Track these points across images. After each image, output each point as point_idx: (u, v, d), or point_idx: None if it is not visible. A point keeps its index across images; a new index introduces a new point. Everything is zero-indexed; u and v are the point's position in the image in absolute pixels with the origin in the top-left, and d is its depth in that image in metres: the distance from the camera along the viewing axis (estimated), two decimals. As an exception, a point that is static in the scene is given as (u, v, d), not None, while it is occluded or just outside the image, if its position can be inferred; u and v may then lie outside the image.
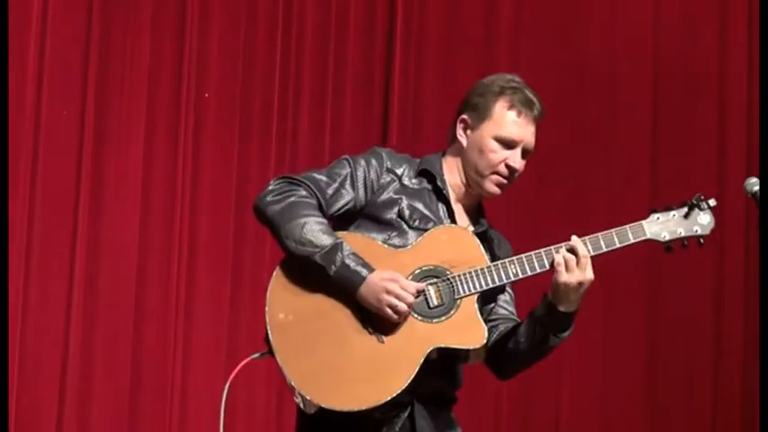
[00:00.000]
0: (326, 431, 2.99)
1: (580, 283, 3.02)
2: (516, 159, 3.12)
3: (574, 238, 3.06)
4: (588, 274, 3.03)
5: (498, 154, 3.12)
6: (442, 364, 3.02)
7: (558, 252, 3.04)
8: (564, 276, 3.01)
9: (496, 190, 3.15)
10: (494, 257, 3.12)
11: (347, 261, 2.94)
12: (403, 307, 2.93)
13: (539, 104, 3.15)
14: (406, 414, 3.03)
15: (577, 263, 3.02)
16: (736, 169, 5.62)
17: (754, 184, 3.24)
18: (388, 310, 2.93)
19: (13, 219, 4.81)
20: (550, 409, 5.61)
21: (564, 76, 5.71)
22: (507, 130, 3.12)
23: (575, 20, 5.77)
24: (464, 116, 3.17)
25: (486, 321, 3.08)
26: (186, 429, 5.11)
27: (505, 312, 3.21)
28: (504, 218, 5.63)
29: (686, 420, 5.66)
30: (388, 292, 2.92)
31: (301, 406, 2.98)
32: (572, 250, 3.03)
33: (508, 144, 3.12)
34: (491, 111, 3.12)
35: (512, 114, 3.12)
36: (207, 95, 5.27)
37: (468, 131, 3.16)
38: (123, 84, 5.14)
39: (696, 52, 5.81)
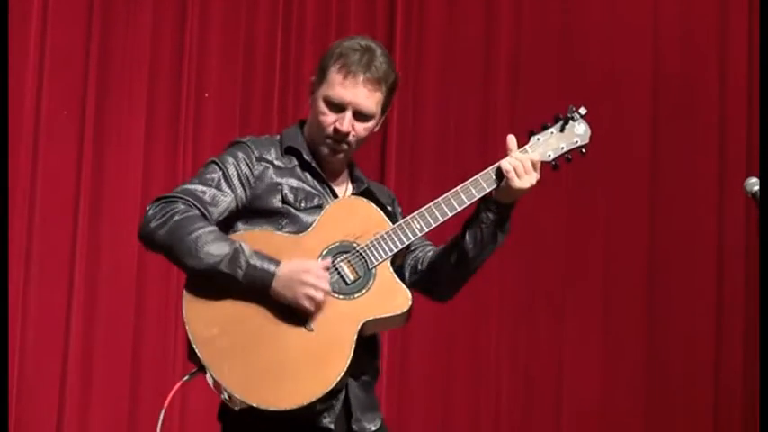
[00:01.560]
0: (267, 429, 2.94)
1: (531, 187, 3.08)
2: (344, 122, 3.05)
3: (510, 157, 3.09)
4: (535, 175, 3.09)
5: (328, 116, 3.06)
6: (366, 337, 2.99)
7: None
8: (516, 182, 3.05)
9: (330, 155, 3.09)
10: (384, 211, 3.09)
11: (252, 261, 2.88)
12: (320, 296, 2.88)
13: (383, 69, 3.06)
14: (342, 396, 3.00)
15: (525, 168, 3.06)
16: (736, 169, 5.62)
17: (754, 184, 3.24)
18: (306, 303, 2.88)
19: (13, 219, 4.81)
20: (551, 408, 5.61)
21: (564, 76, 5.71)
22: (333, 91, 3.05)
23: (575, 20, 5.77)
24: (312, 78, 3.14)
25: (403, 258, 3.11)
26: (186, 430, 5.11)
27: (417, 241, 3.16)
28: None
29: (686, 420, 5.66)
30: (304, 284, 2.87)
31: (229, 404, 2.94)
32: (515, 159, 3.06)
33: (336, 106, 3.05)
34: (326, 73, 3.08)
35: (339, 77, 3.05)
36: (207, 95, 5.27)
37: (312, 95, 3.12)
38: (123, 83, 5.14)
39: (696, 52, 5.81)
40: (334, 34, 5.48)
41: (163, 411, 3.00)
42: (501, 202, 3.08)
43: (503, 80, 5.67)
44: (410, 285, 3.10)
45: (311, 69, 5.37)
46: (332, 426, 2.97)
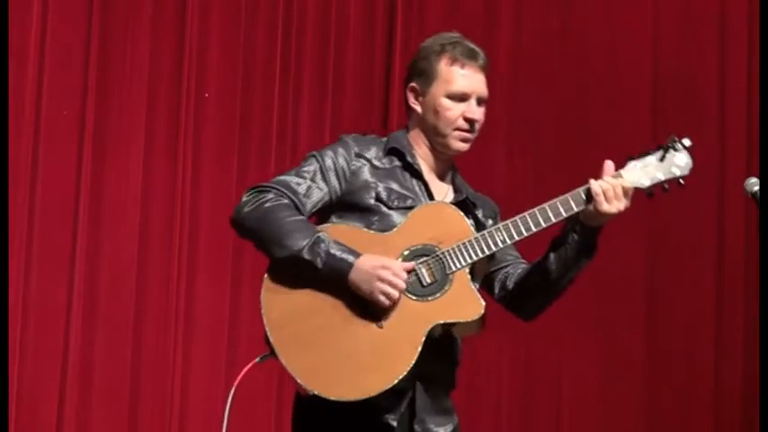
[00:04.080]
0: (330, 418, 2.99)
1: (619, 210, 3.06)
2: (473, 110, 3.14)
3: (601, 181, 3.07)
4: (624, 202, 3.08)
5: (454, 110, 3.13)
6: (441, 344, 3.03)
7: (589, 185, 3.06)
8: (604, 206, 3.04)
9: (462, 145, 3.16)
10: (478, 222, 3.14)
11: (332, 251, 2.94)
12: (395, 294, 2.93)
13: (482, 53, 3.17)
14: (408, 398, 3.03)
15: (615, 194, 3.05)
16: (736, 169, 5.62)
17: (754, 184, 3.24)
18: (382, 297, 2.92)
19: (14, 219, 4.81)
20: (551, 408, 5.62)
21: (564, 76, 5.71)
22: (456, 84, 3.13)
23: (575, 20, 5.77)
24: (412, 84, 3.19)
25: (494, 272, 3.14)
26: (186, 430, 5.11)
27: (511, 258, 3.21)
28: (504, 217, 5.64)
29: (686, 420, 5.66)
30: (381, 280, 2.92)
31: (300, 390, 2.99)
32: (607, 182, 3.06)
33: (461, 98, 3.13)
34: (436, 71, 3.14)
35: (456, 68, 3.14)
36: (207, 95, 5.27)
37: (420, 98, 3.18)
38: (123, 84, 5.14)
39: (696, 52, 5.81)
40: (335, 34, 5.49)
41: (232, 391, 3.03)
42: (586, 225, 3.09)
43: (503, 80, 5.67)
44: (498, 300, 3.18)
45: (311, 69, 5.46)
46: (395, 423, 3.01)
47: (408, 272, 2.97)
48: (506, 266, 3.21)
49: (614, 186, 3.06)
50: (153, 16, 5.20)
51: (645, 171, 3.14)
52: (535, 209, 3.08)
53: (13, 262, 4.79)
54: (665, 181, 3.15)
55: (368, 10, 5.58)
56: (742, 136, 5.74)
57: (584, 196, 3.07)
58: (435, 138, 3.16)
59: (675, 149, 3.13)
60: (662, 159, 3.13)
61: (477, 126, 3.16)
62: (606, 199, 3.05)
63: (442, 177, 3.21)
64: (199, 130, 5.24)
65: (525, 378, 5.61)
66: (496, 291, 3.22)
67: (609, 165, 3.12)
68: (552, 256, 3.11)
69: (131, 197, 5.10)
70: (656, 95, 5.78)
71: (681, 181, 3.16)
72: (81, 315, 4.98)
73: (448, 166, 3.23)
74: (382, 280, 2.92)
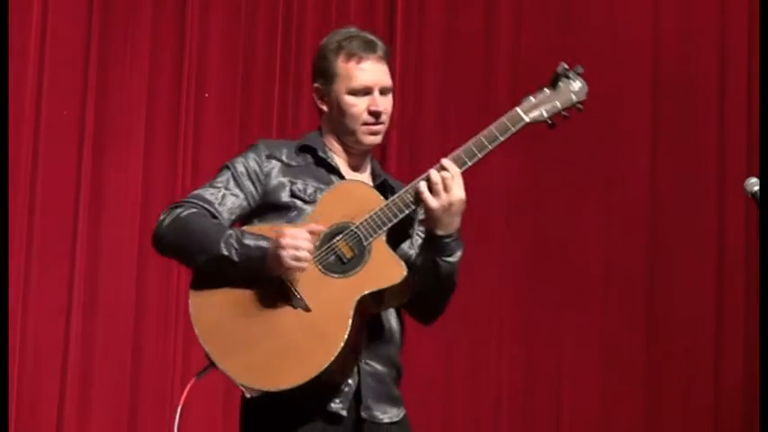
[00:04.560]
0: (278, 414, 2.99)
1: (449, 205, 2.99)
2: (377, 102, 3.13)
3: (444, 160, 3.03)
4: (455, 194, 2.99)
5: (358, 105, 3.13)
6: (379, 325, 3.04)
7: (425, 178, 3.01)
8: (430, 202, 2.99)
9: (373, 138, 3.15)
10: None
11: (245, 240, 2.95)
12: (304, 253, 2.91)
13: (380, 43, 3.16)
14: (355, 386, 3.03)
15: (444, 186, 2.99)
16: (736, 169, 5.62)
17: (754, 184, 3.24)
18: (293, 263, 2.91)
19: (13, 219, 4.81)
20: (551, 408, 5.61)
21: (564, 75, 5.70)
22: (356, 79, 3.13)
23: (575, 20, 5.76)
24: (316, 85, 3.19)
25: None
26: (186, 430, 5.10)
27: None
28: (504, 217, 5.65)
29: (687, 420, 5.65)
30: (284, 248, 2.91)
31: (245, 393, 2.99)
32: (440, 171, 3.00)
33: (363, 92, 3.13)
34: (336, 69, 3.14)
35: (353, 63, 3.13)
36: (207, 95, 5.27)
37: (325, 97, 3.17)
38: (123, 84, 5.14)
39: (696, 52, 5.81)
40: (334, 34, 5.48)
41: (179, 410, 3.12)
42: (432, 232, 3.04)
43: (503, 79, 5.67)
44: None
45: (311, 69, 5.46)
46: (344, 412, 3.01)
47: (312, 233, 2.94)
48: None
49: (444, 179, 3.00)
50: (153, 16, 5.20)
51: (542, 104, 3.15)
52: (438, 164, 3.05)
53: (13, 262, 4.79)
54: (564, 108, 3.17)
55: (368, 10, 5.58)
56: (742, 136, 5.73)
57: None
58: (345, 135, 3.16)
59: (569, 77, 3.19)
60: (556, 89, 3.17)
61: (385, 117, 3.15)
62: (432, 193, 2.99)
63: (358, 169, 3.20)
64: (199, 130, 5.25)
65: (525, 378, 5.61)
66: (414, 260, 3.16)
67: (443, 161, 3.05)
68: (417, 260, 3.08)
69: (131, 197, 5.10)
70: (656, 95, 5.78)
71: (579, 106, 3.19)
72: (81, 315, 4.99)
73: (364, 158, 3.22)
74: (284, 247, 2.91)
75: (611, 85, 5.75)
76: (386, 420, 3.08)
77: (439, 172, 3.01)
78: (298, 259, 2.92)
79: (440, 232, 3.02)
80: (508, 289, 5.60)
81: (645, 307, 5.68)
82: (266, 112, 5.36)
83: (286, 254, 2.91)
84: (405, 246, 3.14)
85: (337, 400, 3.00)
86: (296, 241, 2.91)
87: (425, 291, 3.08)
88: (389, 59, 3.19)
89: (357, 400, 3.04)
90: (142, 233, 5.10)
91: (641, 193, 5.73)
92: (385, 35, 5.54)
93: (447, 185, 2.99)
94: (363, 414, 3.04)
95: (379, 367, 3.08)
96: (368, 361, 3.05)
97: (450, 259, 3.05)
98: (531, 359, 5.61)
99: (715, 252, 5.71)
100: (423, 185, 3.00)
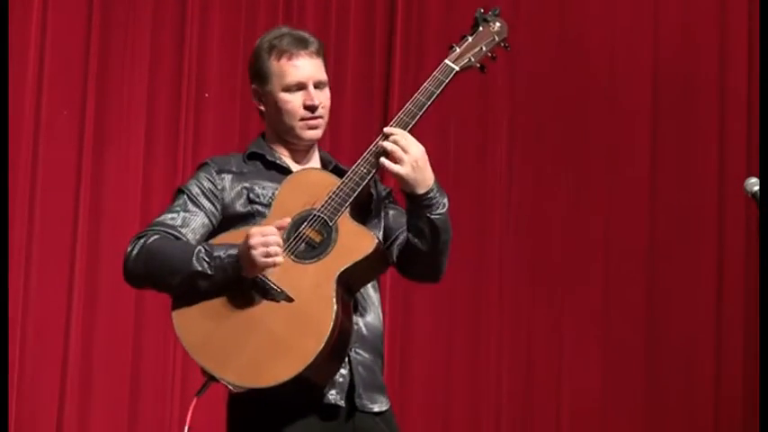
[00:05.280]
0: (273, 407, 2.99)
1: (416, 163, 3.02)
2: (311, 96, 3.16)
3: (386, 128, 3.07)
4: (415, 151, 3.03)
5: (294, 102, 3.16)
6: (359, 305, 3.06)
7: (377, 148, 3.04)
8: (397, 168, 3.02)
9: (313, 133, 3.18)
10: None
11: (216, 253, 2.96)
12: (274, 248, 2.92)
13: (311, 38, 3.20)
14: (347, 373, 3.05)
15: (402, 148, 3.02)
16: (736, 169, 5.62)
17: (754, 184, 3.24)
18: (265, 260, 2.92)
19: (13, 219, 4.81)
20: (551, 408, 5.61)
21: (564, 76, 5.71)
22: (289, 76, 3.16)
23: (574, 20, 5.77)
24: (253, 86, 3.24)
25: (390, 243, 3.13)
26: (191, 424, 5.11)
27: (398, 224, 3.18)
28: (505, 217, 5.65)
29: (686, 420, 5.66)
30: (254, 247, 2.92)
31: (230, 388, 3.00)
32: (388, 139, 3.04)
33: (297, 87, 3.16)
34: (269, 68, 3.19)
35: (285, 61, 3.17)
36: (207, 95, 5.27)
37: (263, 98, 3.22)
38: (123, 84, 5.14)
39: (696, 52, 5.81)
40: (334, 34, 5.48)
41: (186, 429, 3.09)
42: (413, 195, 3.05)
43: (502, 79, 5.67)
44: (397, 269, 3.16)
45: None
46: (342, 402, 3.02)
47: (281, 228, 2.96)
48: (396, 234, 3.19)
49: (397, 142, 3.03)
50: (153, 16, 5.20)
51: (467, 51, 3.19)
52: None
53: (13, 262, 4.79)
54: (489, 50, 3.20)
55: (368, 10, 5.57)
56: (742, 136, 5.74)
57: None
58: (285, 133, 3.18)
59: (487, 20, 3.21)
60: (478, 33, 3.20)
61: (323, 111, 3.17)
62: (395, 160, 3.02)
63: (308, 160, 3.23)
64: (199, 130, 5.24)
65: (525, 378, 5.61)
66: (395, 259, 3.19)
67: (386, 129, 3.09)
68: (408, 228, 3.10)
69: (131, 197, 5.10)
70: (656, 95, 5.78)
71: (503, 44, 3.21)
72: (81, 315, 4.99)
73: (310, 152, 3.24)
74: (254, 247, 2.91)
75: (612, 84, 5.76)
76: (375, 409, 3.09)
77: (388, 140, 3.03)
78: (269, 255, 2.92)
79: (420, 191, 3.04)
80: (508, 289, 5.60)
81: (645, 307, 5.69)
82: (266, 112, 5.35)
83: (257, 252, 2.91)
84: (376, 221, 3.16)
85: (333, 392, 3.01)
86: (264, 238, 2.92)
87: (427, 250, 3.09)
88: (325, 54, 3.22)
89: (350, 388, 3.05)
90: (142, 233, 5.10)
91: (641, 193, 5.73)
92: (385, 35, 5.55)
93: (403, 147, 3.02)
94: (356, 402, 3.05)
95: (367, 356, 3.09)
96: (357, 350, 3.06)
97: (440, 211, 3.07)
98: (531, 359, 5.62)
99: (715, 252, 5.71)
100: (385, 160, 3.01)
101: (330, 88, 3.22)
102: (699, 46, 5.81)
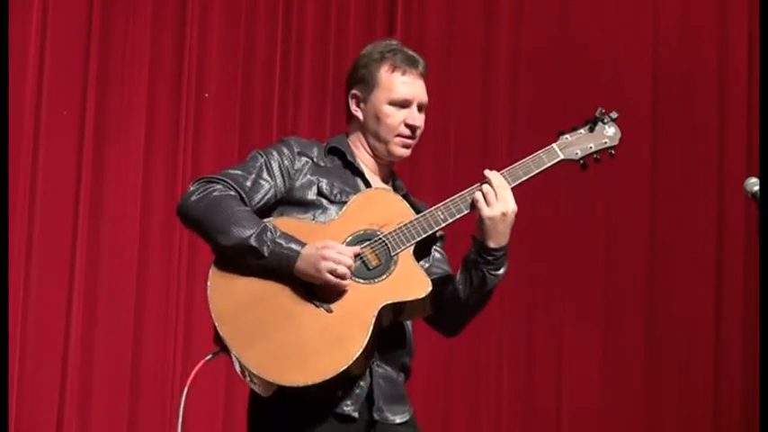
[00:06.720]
0: (289, 414, 3.00)
1: (503, 215, 3.05)
2: (414, 116, 3.19)
3: (488, 171, 3.09)
4: (509, 204, 3.07)
5: (396, 117, 3.18)
6: (393, 332, 3.07)
7: (476, 190, 3.07)
8: (485, 211, 3.04)
9: (404, 151, 3.21)
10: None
11: (279, 240, 2.97)
12: (343, 269, 2.95)
13: (422, 60, 3.23)
14: (367, 388, 3.05)
15: (496, 195, 3.05)
16: (736, 169, 5.63)
17: (754, 184, 3.24)
18: (329, 276, 2.94)
19: (13, 219, 4.81)
20: (551, 408, 5.62)
21: (564, 75, 5.71)
22: (398, 91, 3.18)
23: (575, 20, 5.77)
24: (354, 91, 3.23)
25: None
26: (186, 429, 5.10)
27: (440, 272, 3.21)
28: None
29: (686, 420, 5.66)
30: (325, 259, 2.94)
31: (256, 389, 2.99)
32: (489, 183, 3.07)
33: (402, 104, 3.19)
34: (378, 78, 3.19)
35: (397, 75, 3.19)
36: (207, 95, 5.27)
37: (362, 104, 3.22)
38: (123, 84, 5.14)
39: (696, 52, 5.81)
40: (334, 34, 5.48)
41: (185, 392, 3.08)
42: (484, 244, 3.07)
43: (503, 80, 5.67)
44: (424, 318, 3.18)
45: (311, 69, 5.45)
46: (355, 414, 3.02)
47: (355, 256, 2.99)
48: (435, 279, 3.17)
49: (495, 188, 3.07)
50: (153, 16, 5.20)
51: (576, 143, 3.21)
52: (471, 186, 3.10)
53: (13, 262, 4.79)
54: (596, 151, 3.23)
55: (368, 10, 5.58)
56: (742, 136, 5.74)
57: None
58: (377, 144, 3.21)
59: (604, 122, 3.23)
60: (592, 131, 3.23)
61: (419, 132, 3.21)
62: (487, 203, 3.05)
63: (382, 179, 3.25)
64: (199, 130, 5.25)
65: (525, 378, 5.62)
66: None
67: (487, 172, 3.12)
68: (459, 275, 3.13)
69: (131, 197, 5.10)
70: (656, 95, 5.78)
71: (611, 151, 3.25)
72: (81, 315, 4.99)
73: (388, 171, 3.27)
74: (326, 258, 2.94)
75: (612, 84, 5.76)
76: (398, 421, 3.11)
77: (486, 185, 3.06)
78: (335, 274, 2.95)
79: (492, 244, 3.06)
80: (508, 289, 5.60)
81: (645, 307, 5.69)
82: (266, 112, 5.36)
83: (326, 265, 2.94)
84: (422, 262, 3.16)
85: (348, 402, 3.02)
86: (339, 256, 2.95)
87: (463, 300, 3.11)
88: (427, 78, 3.24)
89: (369, 401, 3.06)
90: (142, 233, 5.10)
91: (641, 194, 5.73)
92: (385, 35, 5.55)
93: (498, 195, 3.05)
94: (376, 416, 3.06)
95: (390, 370, 3.11)
96: (380, 363, 3.08)
97: (498, 272, 3.10)
98: (531, 359, 5.62)
99: (715, 252, 5.71)
100: (478, 195, 3.04)
101: None
102: (699, 46, 5.82)
